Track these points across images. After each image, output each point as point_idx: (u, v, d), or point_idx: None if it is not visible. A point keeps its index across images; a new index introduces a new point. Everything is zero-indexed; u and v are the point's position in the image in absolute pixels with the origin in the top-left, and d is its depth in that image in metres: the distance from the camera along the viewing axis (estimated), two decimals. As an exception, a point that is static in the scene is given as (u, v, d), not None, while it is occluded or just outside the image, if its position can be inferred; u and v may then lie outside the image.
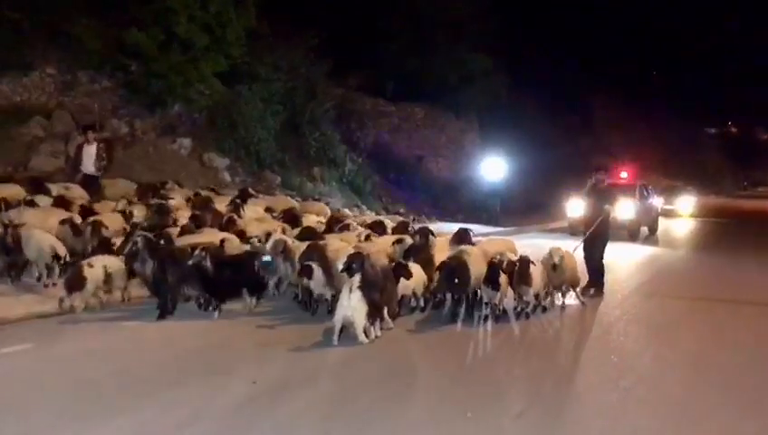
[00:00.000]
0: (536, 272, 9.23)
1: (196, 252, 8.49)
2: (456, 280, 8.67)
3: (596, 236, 11.60)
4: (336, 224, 11.87)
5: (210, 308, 8.75)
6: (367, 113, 27.86)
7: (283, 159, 22.20)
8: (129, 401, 5.55)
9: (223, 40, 21.00)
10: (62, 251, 8.96)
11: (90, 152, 14.31)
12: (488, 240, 11.90)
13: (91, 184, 14.09)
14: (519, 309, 9.35)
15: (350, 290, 7.47)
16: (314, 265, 8.51)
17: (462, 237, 10.64)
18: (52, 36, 19.70)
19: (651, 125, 50.50)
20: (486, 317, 9.14)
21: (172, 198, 13.20)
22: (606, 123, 45.56)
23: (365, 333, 7.61)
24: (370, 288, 7.57)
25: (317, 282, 8.58)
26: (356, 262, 7.70)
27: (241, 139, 21.32)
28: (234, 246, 9.67)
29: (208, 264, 8.48)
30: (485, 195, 24.73)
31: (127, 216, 11.42)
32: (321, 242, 9.55)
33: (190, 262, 8.43)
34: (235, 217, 11.70)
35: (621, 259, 16.75)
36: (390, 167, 26.90)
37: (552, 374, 6.95)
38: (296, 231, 11.43)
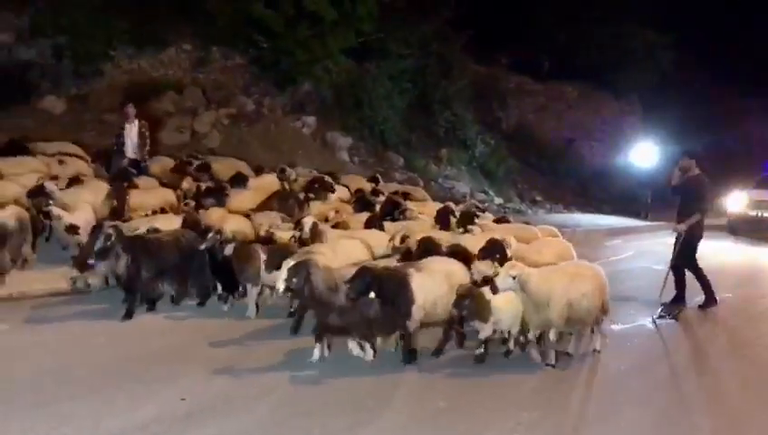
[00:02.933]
0: (501, 300, 6.52)
1: (210, 235, 7.73)
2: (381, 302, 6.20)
3: (685, 242, 9.54)
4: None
5: (223, 300, 7.99)
6: (510, 92, 26.03)
7: (409, 140, 21.27)
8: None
9: (353, 14, 20.32)
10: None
11: (131, 133, 12.59)
12: (520, 228, 9.97)
13: (134, 169, 12.24)
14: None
15: None
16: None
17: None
18: (186, 12, 20.10)
19: None
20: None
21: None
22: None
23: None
24: (321, 307, 6.26)
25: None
26: (299, 275, 6.13)
27: (366, 118, 20.65)
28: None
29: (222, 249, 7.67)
30: (636, 185, 22.08)
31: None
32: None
33: (203, 246, 7.63)
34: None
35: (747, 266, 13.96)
36: (532, 150, 24.96)
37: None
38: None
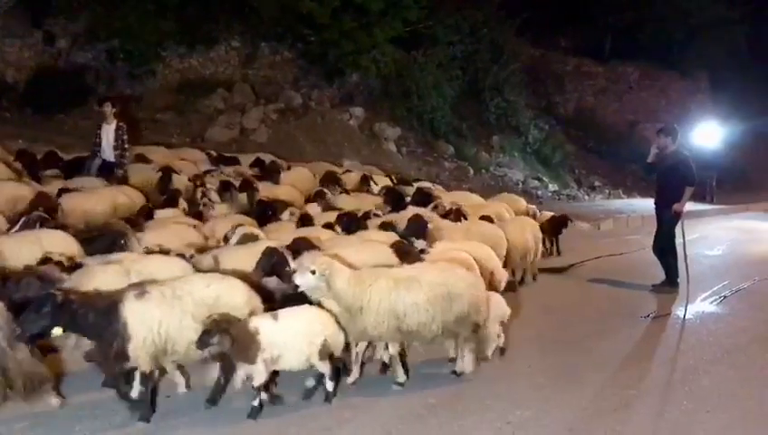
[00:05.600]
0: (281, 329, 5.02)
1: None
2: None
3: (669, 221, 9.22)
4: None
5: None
6: (568, 75, 25.19)
7: (460, 128, 20.86)
8: None
9: (399, 3, 20.07)
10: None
11: (108, 133, 11.11)
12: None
13: (108, 173, 10.96)
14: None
15: None
16: None
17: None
18: (235, 9, 20.27)
19: None
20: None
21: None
22: None
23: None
24: None
25: None
26: None
27: (415, 107, 20.40)
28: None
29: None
30: (700, 167, 20.94)
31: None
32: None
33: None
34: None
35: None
36: (592, 135, 24.08)
37: None
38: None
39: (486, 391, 5.70)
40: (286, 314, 5.11)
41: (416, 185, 12.59)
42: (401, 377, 5.66)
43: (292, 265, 5.51)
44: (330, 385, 5.29)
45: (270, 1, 19.79)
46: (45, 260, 5.83)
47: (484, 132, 21.35)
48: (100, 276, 5.40)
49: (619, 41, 25.74)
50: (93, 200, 8.99)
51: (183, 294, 4.92)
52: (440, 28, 20.92)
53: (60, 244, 6.55)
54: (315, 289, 5.21)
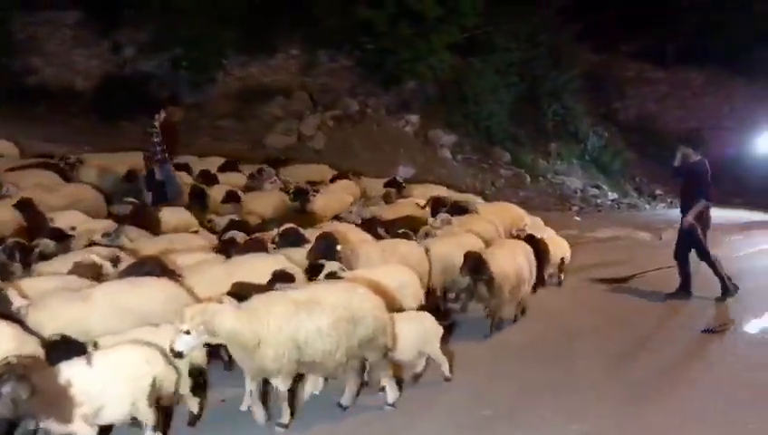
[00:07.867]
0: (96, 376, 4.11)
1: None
2: None
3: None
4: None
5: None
6: (629, 81, 24.64)
7: (517, 135, 20.64)
8: None
9: (457, 9, 20.02)
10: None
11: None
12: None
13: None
14: None
15: None
16: None
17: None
18: (294, 18, 20.54)
19: None
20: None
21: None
22: None
23: None
24: None
25: None
26: None
27: (471, 113, 20.28)
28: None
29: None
30: (766, 176, 20.27)
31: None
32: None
33: None
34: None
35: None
36: (653, 142, 23.41)
37: None
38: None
39: (544, 404, 5.64)
40: (103, 355, 4.26)
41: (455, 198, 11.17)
42: (286, 418, 4.93)
43: None
44: None
45: (330, 9, 20.02)
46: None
47: (541, 139, 21.06)
48: None
49: (683, 46, 25.03)
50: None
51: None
52: (498, 34, 20.72)
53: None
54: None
